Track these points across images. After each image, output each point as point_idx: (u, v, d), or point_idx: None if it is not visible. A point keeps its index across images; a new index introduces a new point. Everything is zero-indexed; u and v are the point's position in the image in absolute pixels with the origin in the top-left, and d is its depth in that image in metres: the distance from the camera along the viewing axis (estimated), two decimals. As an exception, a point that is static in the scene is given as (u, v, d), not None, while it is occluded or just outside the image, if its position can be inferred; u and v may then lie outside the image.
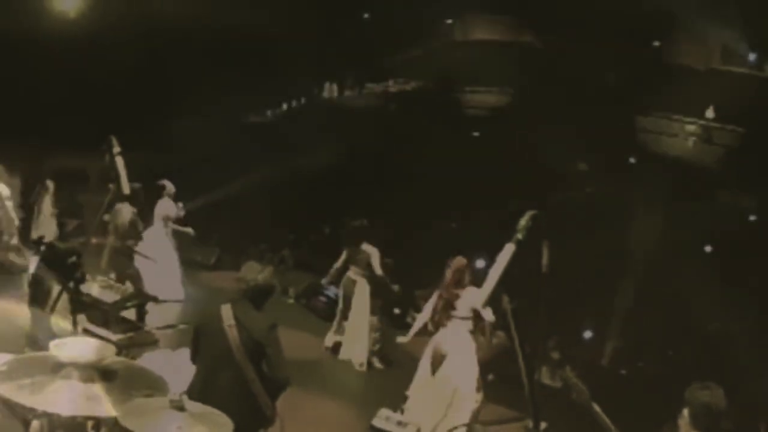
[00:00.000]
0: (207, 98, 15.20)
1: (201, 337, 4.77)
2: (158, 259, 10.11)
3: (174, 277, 10.53)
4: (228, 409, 3.88)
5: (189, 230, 10.59)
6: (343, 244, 9.62)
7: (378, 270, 9.15)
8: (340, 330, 9.39)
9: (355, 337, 9.11)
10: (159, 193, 10.25)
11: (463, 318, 7.02)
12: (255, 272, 4.78)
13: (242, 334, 4.60)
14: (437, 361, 7.07)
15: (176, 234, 10.75)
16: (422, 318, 7.40)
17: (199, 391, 4.04)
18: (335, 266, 9.52)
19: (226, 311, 4.67)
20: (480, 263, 9.04)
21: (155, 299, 7.20)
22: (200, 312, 4.88)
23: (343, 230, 9.52)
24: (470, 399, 7.03)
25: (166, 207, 10.30)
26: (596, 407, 3.81)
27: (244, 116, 15.84)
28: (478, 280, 7.01)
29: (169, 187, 10.34)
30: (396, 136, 15.83)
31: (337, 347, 9.36)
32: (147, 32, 14.29)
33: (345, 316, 9.28)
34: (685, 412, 3.71)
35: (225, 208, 13.78)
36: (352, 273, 9.26)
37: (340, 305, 9.42)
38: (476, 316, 7.05)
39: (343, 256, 9.41)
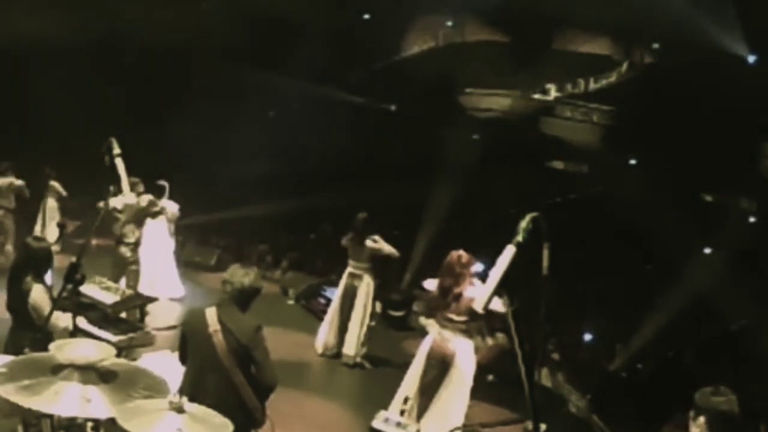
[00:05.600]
0: (209, 98, 15.24)
1: (188, 339, 4.75)
2: (157, 256, 10.14)
3: (172, 275, 10.54)
4: (216, 411, 3.89)
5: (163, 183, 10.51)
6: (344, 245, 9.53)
7: (387, 248, 8.95)
8: (340, 331, 9.24)
9: (353, 330, 9.04)
10: (161, 192, 10.26)
11: (460, 319, 6.90)
12: (240, 274, 4.73)
13: (228, 338, 4.56)
14: (441, 360, 6.96)
15: (177, 233, 10.78)
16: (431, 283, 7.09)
17: (188, 393, 4.03)
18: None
19: (211, 315, 4.64)
20: (480, 265, 8.99)
21: (155, 300, 7.23)
22: (186, 314, 4.84)
23: (343, 231, 9.37)
24: (465, 402, 6.96)
25: (170, 206, 10.36)
26: (596, 419, 3.78)
27: (245, 116, 15.83)
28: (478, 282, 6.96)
29: (167, 187, 10.38)
30: (397, 136, 15.85)
31: (333, 352, 9.20)
32: (149, 33, 14.30)
33: (346, 316, 9.12)
34: (701, 419, 3.63)
35: (225, 209, 13.78)
36: (354, 268, 9.12)
37: (339, 305, 9.22)
38: (473, 318, 6.96)
39: (346, 240, 9.14)
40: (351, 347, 9.01)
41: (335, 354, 9.17)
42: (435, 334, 7.06)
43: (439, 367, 6.97)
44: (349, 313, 9.08)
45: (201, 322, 4.63)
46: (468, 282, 6.83)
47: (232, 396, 4.52)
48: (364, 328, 9.04)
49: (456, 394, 6.93)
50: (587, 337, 11.08)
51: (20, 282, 5.51)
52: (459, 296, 6.81)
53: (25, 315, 5.45)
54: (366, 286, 9.06)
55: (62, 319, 5.24)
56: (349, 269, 9.16)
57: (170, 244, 10.65)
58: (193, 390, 4.42)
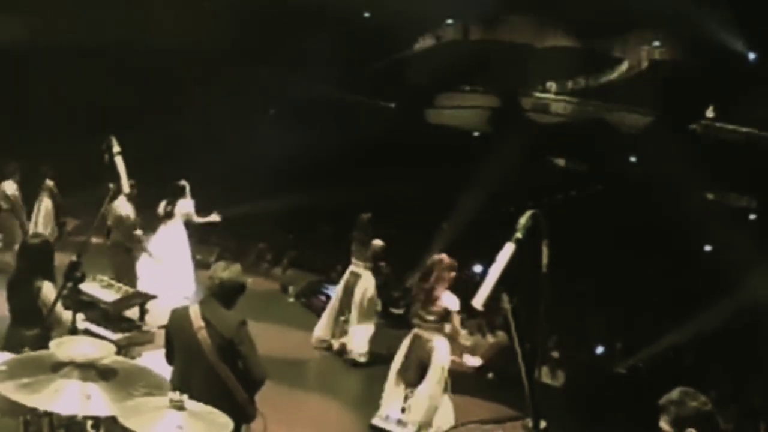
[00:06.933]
0: (209, 98, 15.23)
1: (173, 338, 4.74)
2: (171, 256, 10.14)
3: (187, 274, 10.48)
4: None
5: (215, 218, 10.54)
6: (343, 242, 9.54)
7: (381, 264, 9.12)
8: (336, 328, 9.25)
9: (360, 328, 9.03)
10: (179, 193, 10.28)
11: (431, 318, 7.02)
12: (220, 269, 4.75)
13: (212, 334, 4.56)
14: (421, 355, 7.06)
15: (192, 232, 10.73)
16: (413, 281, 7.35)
17: (176, 390, 4.03)
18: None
19: (194, 312, 4.64)
20: (479, 264, 9.04)
21: (154, 297, 7.21)
22: (171, 313, 4.82)
23: (343, 230, 9.41)
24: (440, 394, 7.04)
25: (187, 206, 10.34)
26: None
27: (245, 115, 15.84)
28: (477, 281, 6.97)
29: (187, 187, 10.38)
30: (397, 136, 15.83)
31: (329, 347, 9.23)
32: (148, 34, 14.30)
33: (342, 312, 9.17)
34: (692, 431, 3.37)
35: (225, 207, 13.76)
36: (356, 266, 9.17)
37: (338, 300, 9.25)
38: (444, 320, 7.03)
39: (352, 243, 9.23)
40: (360, 344, 8.96)
41: (327, 347, 9.20)
42: (414, 332, 7.18)
43: (418, 364, 7.08)
44: (347, 309, 9.11)
45: (185, 320, 4.63)
46: (444, 285, 6.93)
47: (220, 392, 4.50)
48: (372, 326, 9.04)
49: (433, 392, 7.00)
50: (588, 336, 11.07)
51: (30, 284, 5.46)
52: (433, 298, 6.94)
53: (30, 312, 5.42)
54: (364, 282, 9.08)
55: (66, 315, 5.24)
56: (351, 267, 9.23)
57: (186, 243, 10.57)
58: (181, 388, 4.41)
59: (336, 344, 9.23)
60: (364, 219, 9.13)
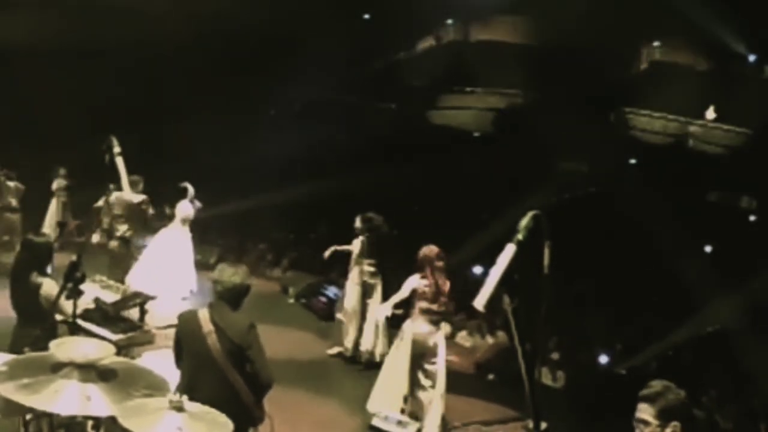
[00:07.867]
0: (209, 98, 15.24)
1: (182, 342, 4.74)
2: (171, 257, 10.15)
3: (188, 275, 10.49)
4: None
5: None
6: (343, 244, 9.51)
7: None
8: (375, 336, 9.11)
9: (371, 327, 9.02)
10: (181, 195, 10.31)
11: (440, 310, 7.03)
12: (229, 273, 4.73)
13: (222, 338, 4.56)
14: (422, 352, 7.04)
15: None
16: (399, 295, 7.31)
17: (185, 393, 4.03)
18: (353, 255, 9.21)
19: (204, 316, 4.64)
20: (479, 265, 9.02)
21: (154, 298, 7.21)
22: (179, 317, 4.81)
23: (342, 230, 9.38)
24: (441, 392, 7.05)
25: (186, 208, 10.35)
26: None
27: (245, 117, 15.86)
28: (477, 282, 6.96)
29: (191, 189, 10.39)
30: (397, 135, 15.85)
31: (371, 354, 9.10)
32: (151, 35, 14.31)
33: (363, 315, 9.11)
34: (676, 425, 3.24)
35: (226, 208, 13.78)
36: (369, 266, 9.12)
37: (357, 302, 9.16)
38: (446, 311, 7.09)
39: (356, 246, 9.16)
40: (384, 344, 8.89)
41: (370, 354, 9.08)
42: (413, 328, 7.13)
43: (418, 359, 7.07)
44: (364, 311, 9.08)
45: (195, 324, 4.63)
46: (443, 276, 7.02)
47: (228, 395, 4.52)
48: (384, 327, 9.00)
49: (442, 391, 7.02)
50: (588, 337, 11.06)
51: (26, 280, 5.49)
52: (442, 291, 7.00)
53: (33, 310, 5.43)
54: (377, 282, 9.07)
55: (69, 309, 5.24)
56: (364, 267, 9.12)
57: (188, 244, 10.57)
58: (190, 391, 4.41)
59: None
60: (377, 218, 9.08)
